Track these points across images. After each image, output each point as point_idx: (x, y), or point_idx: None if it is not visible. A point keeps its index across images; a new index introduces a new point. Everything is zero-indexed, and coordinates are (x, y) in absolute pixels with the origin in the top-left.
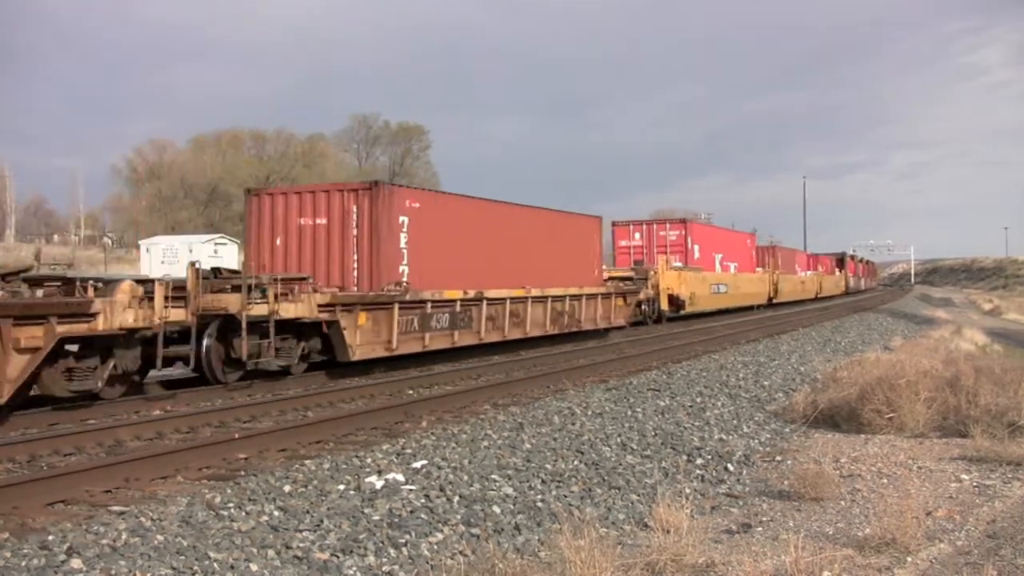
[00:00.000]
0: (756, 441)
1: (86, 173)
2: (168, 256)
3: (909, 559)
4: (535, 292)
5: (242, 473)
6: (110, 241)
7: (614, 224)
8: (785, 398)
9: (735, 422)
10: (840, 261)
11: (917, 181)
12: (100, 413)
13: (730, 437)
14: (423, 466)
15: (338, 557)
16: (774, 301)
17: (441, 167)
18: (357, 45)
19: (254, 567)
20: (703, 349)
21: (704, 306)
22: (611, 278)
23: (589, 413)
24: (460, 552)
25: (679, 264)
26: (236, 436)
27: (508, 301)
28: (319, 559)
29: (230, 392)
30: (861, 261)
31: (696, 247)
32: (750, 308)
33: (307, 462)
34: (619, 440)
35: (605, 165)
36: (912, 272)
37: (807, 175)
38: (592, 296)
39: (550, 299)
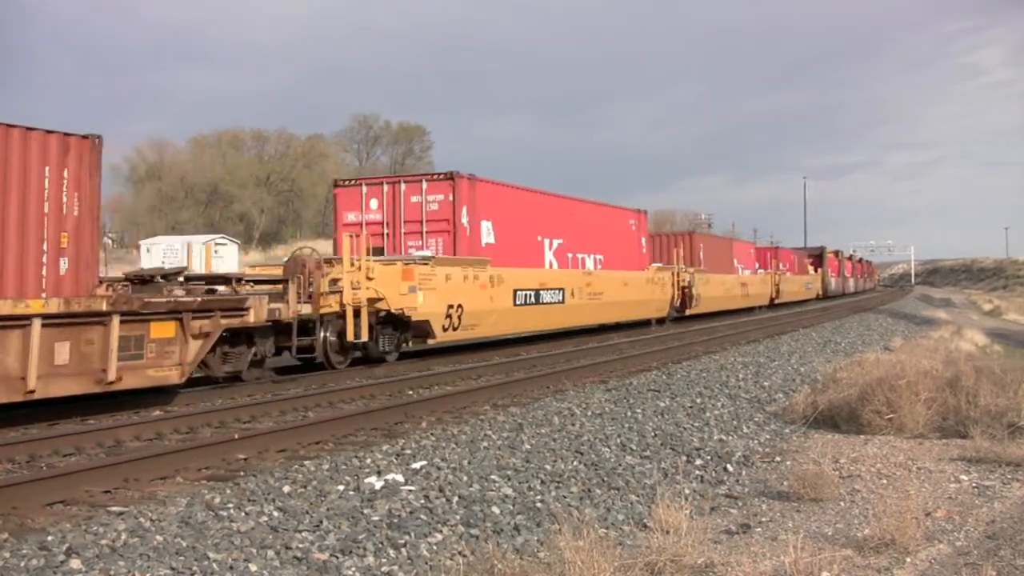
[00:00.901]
0: (756, 442)
1: None
2: (168, 256)
3: (908, 560)
4: None
5: (241, 474)
6: (111, 241)
7: (336, 184)
8: (785, 399)
9: (735, 423)
10: (818, 258)
11: (917, 181)
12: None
13: (730, 438)
14: (423, 467)
15: (337, 557)
16: (687, 312)
17: (440, 167)
18: (357, 45)
19: (253, 567)
20: (703, 350)
21: (501, 329)
22: (190, 278)
23: (589, 414)
24: (459, 552)
25: (427, 252)
26: (236, 436)
27: None
28: (318, 559)
29: (231, 392)
30: (851, 259)
31: (485, 225)
32: (646, 323)
33: (307, 463)
34: (619, 441)
35: (605, 165)
36: (912, 272)
37: (807, 175)
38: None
39: None
